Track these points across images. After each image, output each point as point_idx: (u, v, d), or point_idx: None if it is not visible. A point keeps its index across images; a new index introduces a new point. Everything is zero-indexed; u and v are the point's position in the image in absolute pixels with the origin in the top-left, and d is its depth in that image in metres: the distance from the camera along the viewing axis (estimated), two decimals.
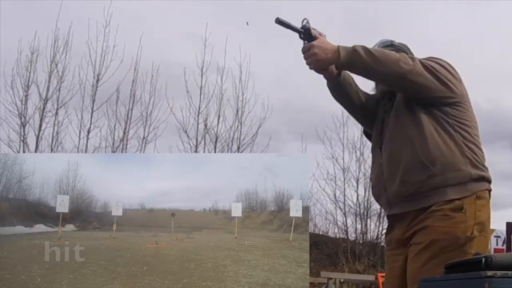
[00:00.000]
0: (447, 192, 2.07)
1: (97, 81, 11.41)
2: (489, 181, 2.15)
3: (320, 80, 2.30)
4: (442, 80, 2.11)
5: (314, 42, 2.09)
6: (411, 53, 2.35)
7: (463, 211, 2.04)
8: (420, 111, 2.13)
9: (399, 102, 2.22)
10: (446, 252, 2.00)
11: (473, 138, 2.15)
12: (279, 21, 2.08)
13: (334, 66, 2.19)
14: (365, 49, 2.07)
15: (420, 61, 2.11)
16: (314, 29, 2.11)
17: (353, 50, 2.06)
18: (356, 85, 2.36)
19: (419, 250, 2.07)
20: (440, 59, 2.19)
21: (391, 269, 2.24)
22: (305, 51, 2.11)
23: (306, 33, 2.10)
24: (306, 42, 2.11)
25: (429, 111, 2.13)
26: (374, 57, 2.06)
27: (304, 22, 2.11)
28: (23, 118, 10.96)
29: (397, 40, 2.40)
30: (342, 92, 2.32)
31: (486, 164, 2.17)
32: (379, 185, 2.24)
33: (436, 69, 2.11)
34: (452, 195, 2.06)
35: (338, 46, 2.09)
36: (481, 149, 2.17)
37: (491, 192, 2.18)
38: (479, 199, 2.08)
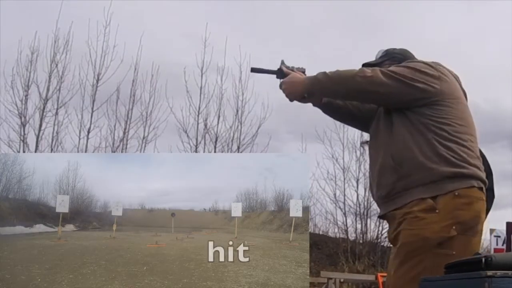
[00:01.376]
0: (417, 192, 2.04)
1: (97, 81, 11.44)
2: (476, 178, 2.06)
3: None
4: (408, 83, 2.09)
5: (284, 79, 2.33)
6: (412, 56, 2.35)
7: (437, 211, 1.99)
8: (395, 116, 2.17)
9: (381, 110, 2.27)
10: (416, 255, 1.98)
11: (453, 135, 2.07)
12: (253, 70, 2.48)
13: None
14: (323, 74, 2.20)
15: (381, 70, 2.13)
16: (290, 67, 2.36)
17: (314, 78, 2.23)
18: (351, 104, 2.43)
19: (394, 255, 2.09)
20: (412, 62, 2.20)
21: (389, 271, 2.25)
22: (279, 88, 2.35)
23: (279, 73, 2.37)
24: (280, 80, 2.38)
25: (404, 115, 2.14)
26: (330, 79, 2.18)
27: (280, 64, 2.38)
28: (23, 118, 10.98)
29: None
30: (334, 114, 2.50)
31: (473, 161, 2.07)
32: (371, 189, 2.32)
33: (400, 74, 2.11)
34: (422, 195, 2.03)
35: (305, 77, 2.28)
36: (466, 146, 2.08)
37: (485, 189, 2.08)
38: (459, 197, 2.00)
